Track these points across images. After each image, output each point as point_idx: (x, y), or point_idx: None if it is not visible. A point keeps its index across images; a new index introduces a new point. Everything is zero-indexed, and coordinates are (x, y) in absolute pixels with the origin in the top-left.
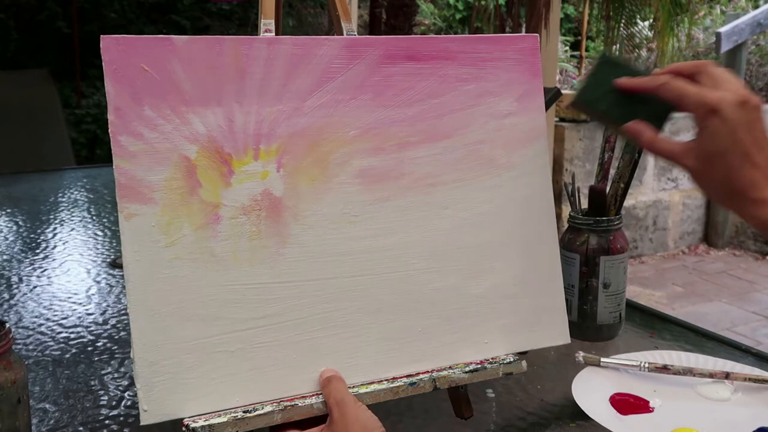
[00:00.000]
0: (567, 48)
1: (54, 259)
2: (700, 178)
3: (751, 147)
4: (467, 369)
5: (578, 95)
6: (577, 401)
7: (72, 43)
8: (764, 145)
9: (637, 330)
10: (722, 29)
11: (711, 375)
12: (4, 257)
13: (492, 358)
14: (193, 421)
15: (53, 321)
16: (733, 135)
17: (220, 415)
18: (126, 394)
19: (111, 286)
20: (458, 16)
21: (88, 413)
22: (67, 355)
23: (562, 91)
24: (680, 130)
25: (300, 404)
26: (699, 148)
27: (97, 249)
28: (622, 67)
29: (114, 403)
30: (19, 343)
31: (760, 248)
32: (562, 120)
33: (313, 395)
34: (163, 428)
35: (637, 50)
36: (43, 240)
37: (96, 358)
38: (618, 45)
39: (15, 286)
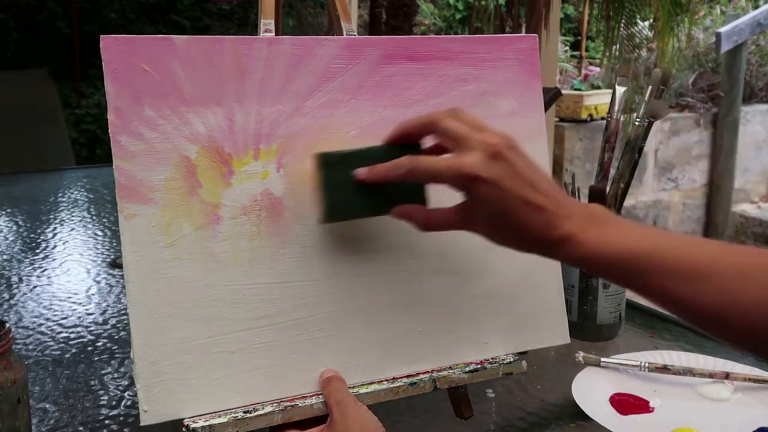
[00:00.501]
0: (567, 48)
1: (54, 259)
2: (495, 238)
3: (526, 193)
4: (467, 369)
5: (326, 213)
6: (577, 401)
7: (72, 43)
8: (536, 181)
9: (637, 330)
10: (722, 29)
11: (711, 375)
12: (4, 257)
13: (492, 358)
14: (193, 422)
15: (53, 321)
16: (503, 193)
17: (220, 416)
18: (126, 394)
19: (111, 286)
20: (458, 16)
21: (88, 413)
22: (67, 355)
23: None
24: (680, 130)
25: (300, 404)
26: (478, 215)
27: (97, 249)
28: (348, 158)
29: (114, 403)
30: (19, 343)
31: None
32: (562, 120)
33: (313, 395)
34: (163, 428)
35: (637, 50)
36: (43, 240)
37: (96, 358)
38: (618, 45)
39: (15, 286)
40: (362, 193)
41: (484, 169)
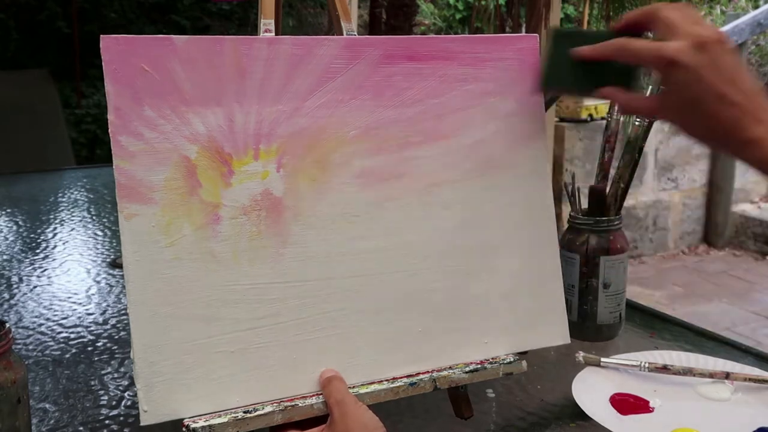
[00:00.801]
0: None
1: (54, 259)
2: (686, 128)
3: (723, 86)
4: (467, 369)
5: (545, 77)
6: (577, 401)
7: (72, 43)
8: (738, 79)
9: (637, 330)
10: (722, 29)
11: (711, 375)
12: (4, 257)
13: (492, 358)
14: (194, 422)
15: (53, 321)
16: (699, 82)
17: (220, 416)
18: (126, 394)
19: (111, 286)
20: (458, 16)
21: (88, 413)
22: (67, 355)
23: None
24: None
25: (300, 404)
26: (672, 101)
27: (97, 249)
28: (575, 37)
29: (114, 403)
30: (19, 343)
31: (760, 248)
32: (562, 120)
33: (313, 395)
34: (163, 428)
35: None
36: (43, 240)
37: (96, 358)
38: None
39: (15, 286)
40: (579, 69)
41: (685, 55)
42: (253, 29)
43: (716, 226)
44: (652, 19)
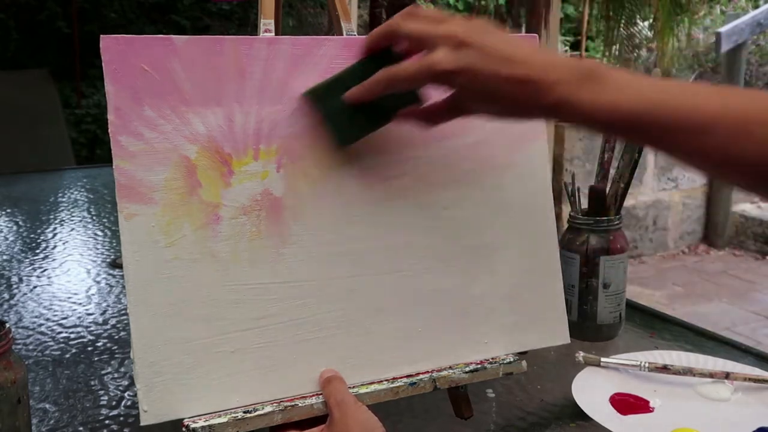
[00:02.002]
0: (567, 48)
1: (54, 259)
2: (496, 116)
3: (502, 68)
4: (467, 369)
5: (337, 141)
6: (577, 401)
7: (72, 43)
8: (513, 53)
9: (637, 330)
10: (722, 29)
11: (711, 375)
12: (4, 257)
13: (492, 358)
14: (193, 422)
15: (53, 321)
16: (480, 76)
17: (220, 416)
18: (126, 394)
19: (111, 286)
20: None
21: (88, 413)
22: (67, 355)
23: None
24: None
25: (300, 404)
26: (466, 102)
27: (97, 249)
28: (332, 86)
29: (114, 403)
30: (19, 343)
31: (760, 248)
32: None
33: (313, 395)
34: (163, 428)
35: (637, 50)
36: (43, 240)
37: (96, 358)
38: (618, 45)
39: (15, 286)
40: (361, 111)
41: (452, 61)
42: (253, 29)
43: (716, 226)
44: (395, 37)
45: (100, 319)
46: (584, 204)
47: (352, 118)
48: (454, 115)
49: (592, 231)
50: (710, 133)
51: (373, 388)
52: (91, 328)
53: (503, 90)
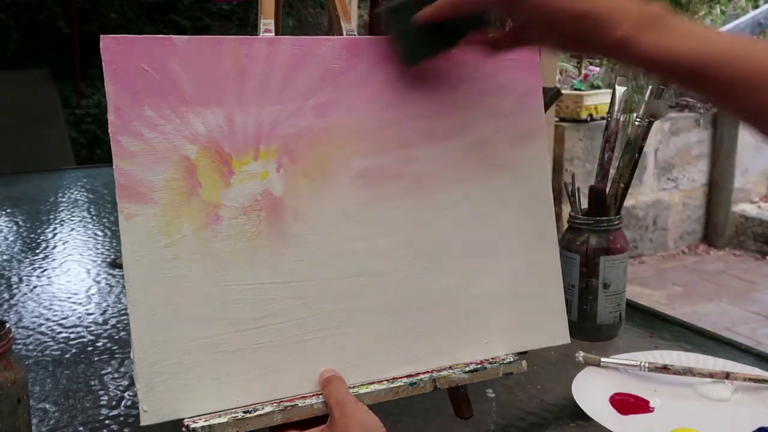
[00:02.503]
0: None
1: (54, 259)
2: (558, 48)
3: (566, 1)
4: (467, 369)
5: (404, 58)
6: (577, 401)
7: (72, 43)
8: None
9: (637, 330)
10: (722, 29)
11: (711, 375)
12: (4, 257)
13: (492, 358)
14: (193, 422)
15: (53, 321)
16: (544, 7)
17: (220, 416)
18: (126, 394)
19: (111, 286)
20: None
21: (88, 413)
22: (67, 355)
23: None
24: (680, 130)
25: (300, 404)
26: (530, 32)
27: (97, 249)
28: (407, 5)
29: (114, 403)
30: (19, 343)
31: (760, 248)
32: (562, 120)
33: (313, 395)
34: (163, 428)
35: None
36: (43, 240)
37: (96, 358)
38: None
39: (15, 286)
40: (429, 32)
41: None
42: (253, 29)
43: (716, 226)
44: None
45: (100, 319)
46: (584, 204)
47: (420, 38)
48: (519, 45)
49: (592, 231)
50: (763, 87)
51: (373, 388)
52: (91, 328)
53: (566, 23)
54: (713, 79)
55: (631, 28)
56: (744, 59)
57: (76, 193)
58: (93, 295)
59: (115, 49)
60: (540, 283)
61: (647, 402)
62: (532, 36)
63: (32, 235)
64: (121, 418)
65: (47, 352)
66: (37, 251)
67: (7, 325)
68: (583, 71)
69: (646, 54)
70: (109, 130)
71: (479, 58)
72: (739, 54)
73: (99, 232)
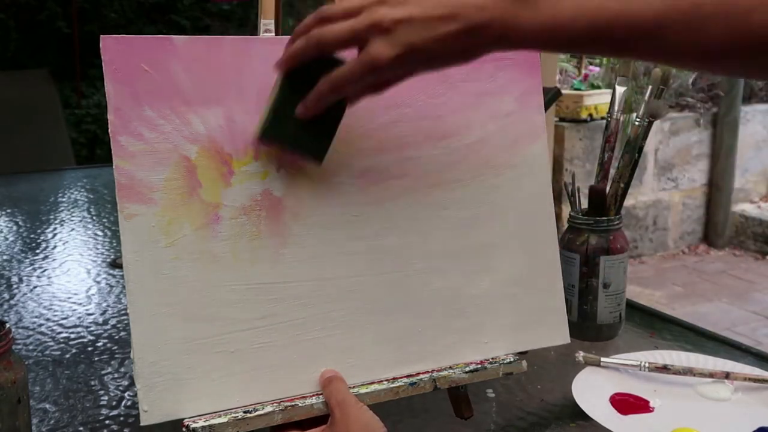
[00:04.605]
0: None
1: (54, 259)
2: (445, 68)
3: (435, 29)
4: (467, 369)
5: (316, 156)
6: (577, 401)
7: (72, 43)
8: (433, 5)
9: (637, 330)
10: None
11: (711, 375)
12: (4, 257)
13: (492, 358)
14: (194, 422)
15: (53, 321)
16: (421, 50)
17: (220, 416)
18: (126, 394)
19: (111, 286)
20: None
21: (88, 413)
22: (67, 355)
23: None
24: (680, 130)
25: (300, 404)
26: (416, 65)
27: (97, 249)
28: (279, 112)
29: (114, 403)
30: (19, 343)
31: (760, 248)
32: (562, 120)
33: (313, 395)
34: (163, 428)
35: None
36: (43, 240)
37: (96, 358)
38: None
39: (15, 286)
40: (315, 121)
41: (391, 48)
42: (253, 29)
43: (716, 226)
44: (320, 50)
45: (100, 319)
46: (584, 204)
47: (312, 132)
48: (403, 76)
49: (592, 231)
50: (659, 35)
51: (373, 388)
52: (91, 328)
53: (447, 48)
54: (601, 38)
55: (505, 20)
56: (625, 12)
57: (76, 193)
58: (93, 295)
59: (115, 49)
60: (540, 283)
61: (647, 402)
62: (419, 68)
63: (32, 235)
64: (121, 418)
65: (47, 352)
66: (37, 251)
67: (7, 325)
68: (583, 71)
69: (530, 34)
70: (109, 130)
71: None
72: (619, 9)
73: (99, 232)
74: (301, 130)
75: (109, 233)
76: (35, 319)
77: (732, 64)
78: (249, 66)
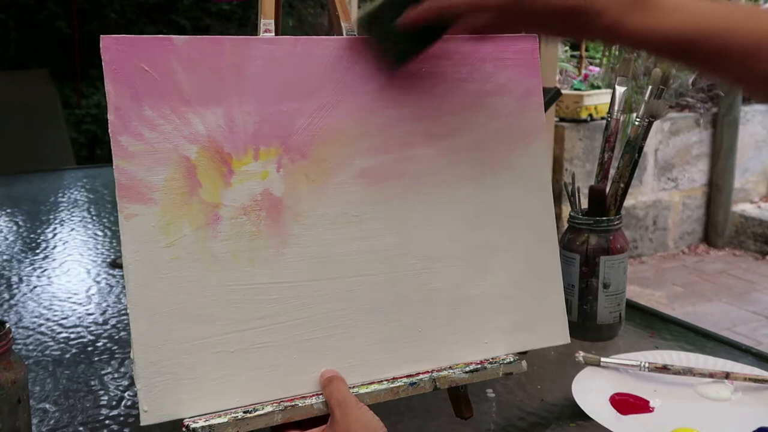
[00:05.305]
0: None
1: (54, 259)
2: (548, 38)
3: None
4: (467, 369)
5: (394, 61)
6: (577, 401)
7: (72, 43)
8: None
9: (637, 330)
10: None
11: (711, 375)
12: (4, 257)
13: (492, 358)
14: (194, 422)
15: (53, 321)
16: (525, 8)
17: (220, 416)
18: (126, 394)
19: (111, 286)
20: None
21: (88, 413)
22: (67, 355)
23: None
24: (680, 130)
25: (300, 404)
26: (515, 26)
27: (97, 249)
28: (381, 11)
29: (114, 403)
30: (19, 343)
31: (760, 248)
32: (562, 120)
33: (313, 395)
34: (163, 428)
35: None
36: (43, 240)
37: (96, 358)
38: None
39: (15, 286)
40: (412, 33)
41: None
42: (253, 29)
43: (716, 226)
44: None
45: (100, 319)
46: (584, 204)
47: (405, 38)
48: (503, 31)
49: (592, 231)
50: (756, 55)
51: (373, 388)
52: (91, 328)
53: (554, 19)
54: (705, 52)
55: (617, 14)
56: (734, 30)
57: (76, 193)
58: (93, 295)
59: (115, 49)
60: (540, 283)
61: (647, 402)
62: (521, 28)
63: (32, 235)
64: (121, 418)
65: (47, 352)
66: (37, 251)
67: (7, 325)
68: (583, 71)
69: (637, 35)
70: (109, 130)
71: (470, 46)
72: (728, 25)
73: (99, 232)
74: (395, 33)
75: (109, 233)
76: (35, 319)
77: None
78: (249, 66)
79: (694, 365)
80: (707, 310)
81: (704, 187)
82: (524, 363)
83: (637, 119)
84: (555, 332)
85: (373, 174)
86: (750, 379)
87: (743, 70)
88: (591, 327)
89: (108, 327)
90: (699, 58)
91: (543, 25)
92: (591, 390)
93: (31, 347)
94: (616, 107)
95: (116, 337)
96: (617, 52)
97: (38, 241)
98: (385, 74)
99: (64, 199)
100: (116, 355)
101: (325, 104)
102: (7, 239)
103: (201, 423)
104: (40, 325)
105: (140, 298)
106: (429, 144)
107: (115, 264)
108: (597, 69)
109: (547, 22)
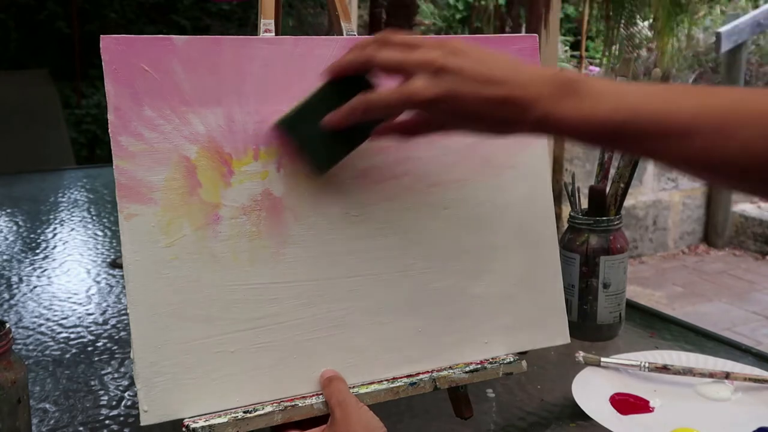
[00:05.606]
0: (567, 48)
1: (54, 259)
2: (477, 133)
3: (483, 90)
4: (467, 369)
5: (317, 167)
6: (577, 401)
7: (72, 43)
8: (491, 72)
9: (637, 330)
10: (722, 29)
11: (711, 375)
12: (4, 257)
13: (492, 358)
14: (194, 422)
15: (53, 321)
16: (461, 101)
17: (220, 416)
18: (126, 394)
19: (111, 286)
20: (458, 16)
21: (88, 413)
22: (67, 355)
23: None
24: None
25: (300, 404)
26: (447, 124)
27: (97, 249)
28: (303, 114)
29: (114, 403)
30: (19, 343)
31: (760, 248)
32: None
33: (313, 395)
34: (163, 428)
35: (637, 50)
36: (43, 240)
37: (96, 358)
38: (618, 45)
39: (15, 286)
40: (337, 135)
41: (432, 88)
42: (253, 29)
43: (716, 226)
44: (368, 67)
45: (100, 319)
46: (584, 204)
47: (328, 143)
48: (433, 130)
49: (592, 231)
50: (690, 137)
51: (373, 388)
52: (91, 328)
53: (485, 111)
54: (642, 134)
55: (550, 103)
56: (668, 111)
57: (76, 193)
58: (93, 295)
59: (115, 49)
60: (540, 283)
61: (647, 402)
62: (450, 124)
63: (32, 235)
64: (121, 418)
65: (47, 352)
66: (37, 251)
67: (7, 325)
68: (583, 71)
69: (571, 123)
70: (109, 130)
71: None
72: (662, 106)
73: (99, 232)
74: (318, 137)
75: (109, 233)
76: (35, 319)
77: (752, 178)
78: (249, 66)
79: (694, 365)
80: (707, 310)
81: (704, 187)
82: (524, 363)
83: None
84: (555, 332)
85: (373, 174)
86: (750, 379)
87: (680, 151)
88: (591, 327)
89: (108, 327)
90: (636, 141)
91: (475, 119)
92: (591, 390)
93: (31, 347)
94: None
95: (116, 337)
96: (617, 52)
97: (38, 241)
98: (313, 177)
99: (64, 199)
100: (116, 355)
101: None
102: (7, 239)
103: (201, 423)
104: (40, 325)
105: (140, 298)
106: (429, 144)
107: (115, 264)
108: (597, 69)
109: (479, 115)
